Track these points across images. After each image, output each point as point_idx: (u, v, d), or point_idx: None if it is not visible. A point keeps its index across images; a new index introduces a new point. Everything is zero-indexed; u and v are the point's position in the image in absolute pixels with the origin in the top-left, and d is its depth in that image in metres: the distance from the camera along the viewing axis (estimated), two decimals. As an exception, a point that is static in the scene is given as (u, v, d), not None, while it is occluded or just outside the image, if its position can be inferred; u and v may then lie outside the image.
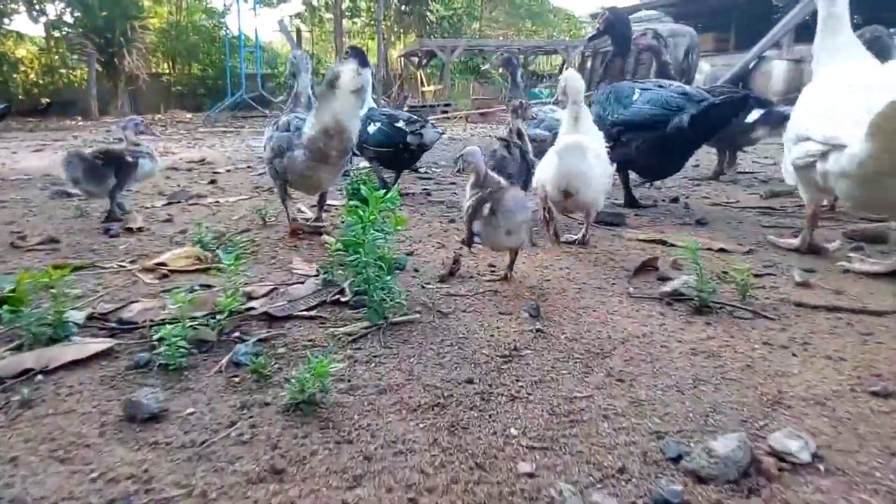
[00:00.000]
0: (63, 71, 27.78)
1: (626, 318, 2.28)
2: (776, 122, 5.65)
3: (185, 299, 2.05)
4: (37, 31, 36.28)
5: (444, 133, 5.29)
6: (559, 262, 3.09)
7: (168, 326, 1.91)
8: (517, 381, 1.77)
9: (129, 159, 4.24)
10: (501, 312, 2.33)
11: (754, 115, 5.67)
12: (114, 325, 2.24)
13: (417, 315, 2.28)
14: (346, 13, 30.89)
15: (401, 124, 5.02)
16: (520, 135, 4.14)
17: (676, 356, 1.94)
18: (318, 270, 2.82)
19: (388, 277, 2.19)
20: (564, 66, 22.91)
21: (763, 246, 3.42)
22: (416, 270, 2.92)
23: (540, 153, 3.69)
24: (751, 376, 1.80)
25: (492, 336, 2.10)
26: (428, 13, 31.43)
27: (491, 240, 2.67)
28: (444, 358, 1.94)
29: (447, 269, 2.82)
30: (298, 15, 35.63)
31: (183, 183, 6.23)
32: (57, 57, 27.48)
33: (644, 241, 3.52)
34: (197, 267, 3.04)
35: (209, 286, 2.63)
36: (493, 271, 2.91)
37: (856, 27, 3.08)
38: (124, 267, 3.06)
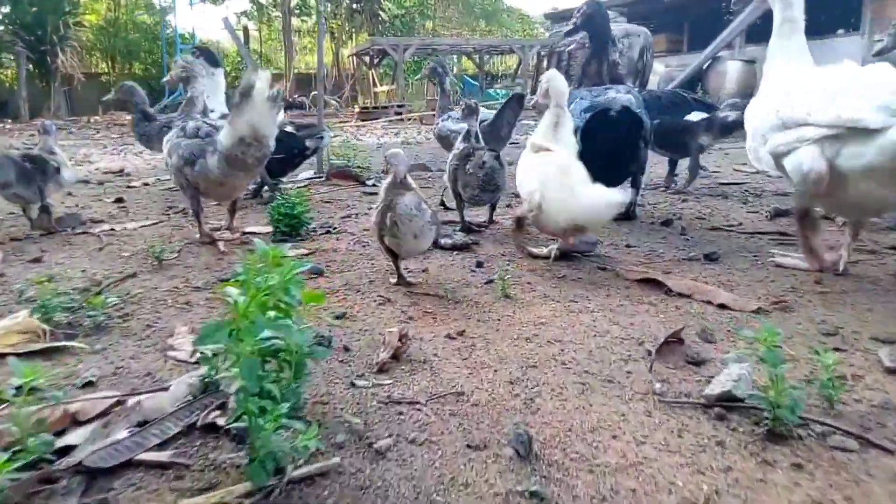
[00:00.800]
0: (-5, 70, 26.02)
1: (666, 452, 1.46)
2: (718, 129, 5.06)
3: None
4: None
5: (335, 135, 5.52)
6: (545, 327, 2.26)
7: None
8: None
9: (54, 165, 3.99)
10: (471, 445, 1.48)
11: (695, 116, 5.10)
12: None
13: (336, 460, 1.41)
14: (295, 11, 29.68)
15: (290, 129, 4.97)
16: (477, 137, 3.78)
17: (779, 559, 1.12)
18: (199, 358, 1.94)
19: (285, 404, 1.32)
20: (520, 66, 22.27)
21: (801, 293, 2.66)
22: (346, 349, 2.05)
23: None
24: None
25: (458, 511, 1.25)
26: (380, 12, 30.46)
27: (403, 250, 2.69)
28: (373, 577, 1.08)
29: (389, 351, 1.96)
30: (245, 13, 34.28)
31: (85, 201, 5.22)
32: (-14, 55, 25.66)
33: (647, 285, 2.73)
34: (35, 348, 2.12)
35: (31, 394, 1.71)
36: (456, 350, 2.06)
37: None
38: (-74, 348, 2.12)
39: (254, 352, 1.27)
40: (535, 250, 3.28)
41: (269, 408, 1.28)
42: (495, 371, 1.89)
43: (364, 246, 3.49)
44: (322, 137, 5.03)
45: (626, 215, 4.23)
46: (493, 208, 4.02)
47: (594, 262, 3.16)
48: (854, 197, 2.60)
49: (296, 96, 23.15)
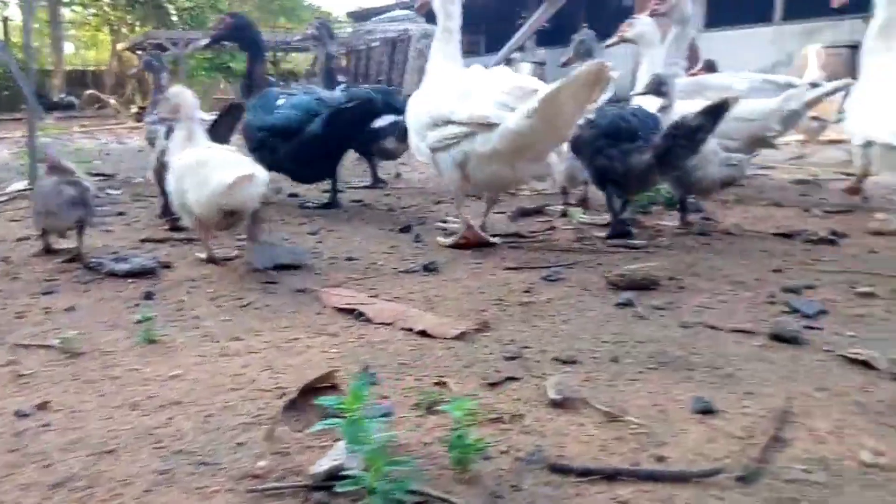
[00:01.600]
0: None
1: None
2: (403, 132, 4.98)
3: None
4: None
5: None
6: (174, 382, 1.76)
7: None
8: None
9: None
10: None
11: (384, 121, 4.99)
12: None
13: None
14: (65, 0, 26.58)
15: None
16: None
17: None
18: None
19: None
20: (315, 64, 21.60)
21: (506, 305, 2.42)
22: None
23: None
24: None
25: None
26: (166, 3, 28.20)
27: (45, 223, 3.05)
28: None
29: None
30: (4, 1, 30.14)
31: None
32: None
33: (348, 310, 2.35)
34: None
35: None
36: (15, 436, 1.50)
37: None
38: None
39: None
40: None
41: None
42: (45, 467, 1.35)
43: (13, 279, 2.78)
44: None
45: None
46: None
47: (298, 282, 2.73)
48: (489, 177, 3.16)
49: (62, 95, 20.66)
